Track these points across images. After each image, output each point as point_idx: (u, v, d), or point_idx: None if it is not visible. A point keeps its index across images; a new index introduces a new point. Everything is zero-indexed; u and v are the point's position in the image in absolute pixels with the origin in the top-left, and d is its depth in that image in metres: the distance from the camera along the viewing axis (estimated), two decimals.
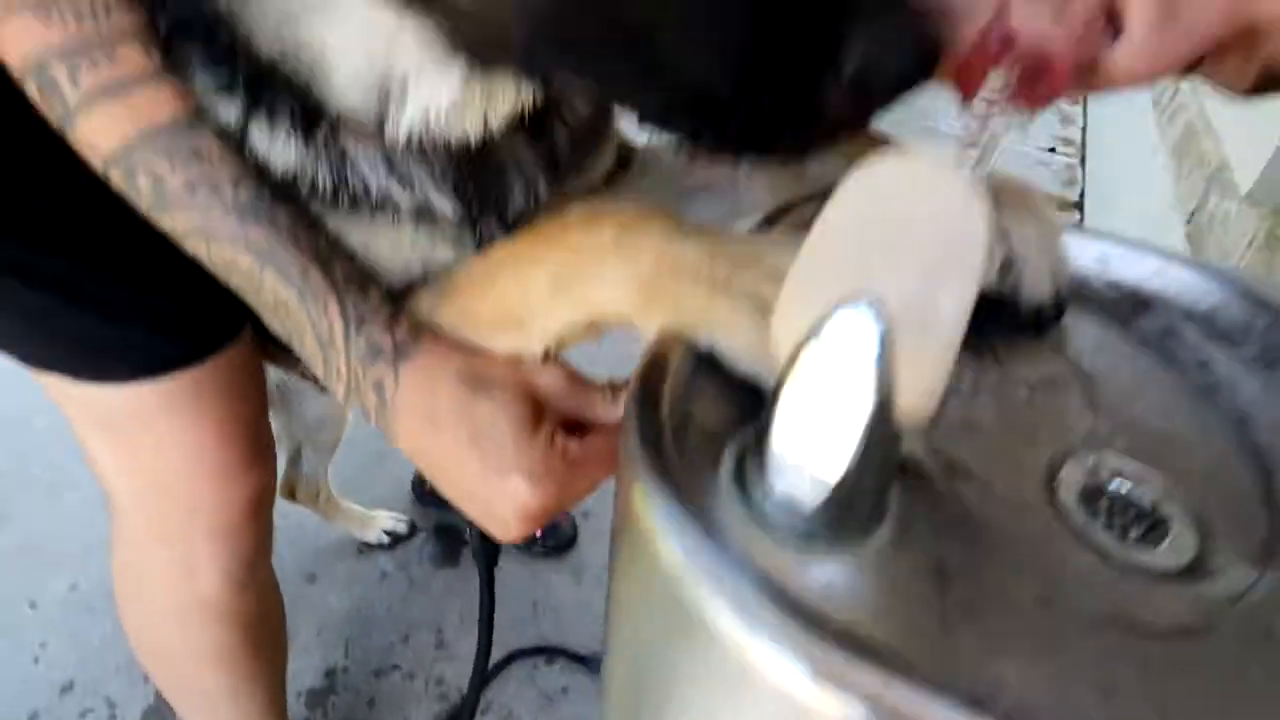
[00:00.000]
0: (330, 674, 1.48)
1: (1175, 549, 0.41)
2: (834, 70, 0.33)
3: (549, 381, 0.50)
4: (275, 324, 0.51)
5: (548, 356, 0.50)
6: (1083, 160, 4.29)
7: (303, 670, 1.45)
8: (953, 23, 0.38)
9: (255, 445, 0.79)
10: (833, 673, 0.27)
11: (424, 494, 1.81)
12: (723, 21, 0.32)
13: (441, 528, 1.78)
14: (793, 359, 0.26)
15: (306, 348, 0.50)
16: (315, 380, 0.70)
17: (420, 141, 0.46)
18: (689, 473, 0.33)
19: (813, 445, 0.27)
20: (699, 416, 0.38)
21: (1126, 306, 0.55)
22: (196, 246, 0.48)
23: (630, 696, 0.39)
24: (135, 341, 0.65)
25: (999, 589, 0.35)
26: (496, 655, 1.48)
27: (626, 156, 0.65)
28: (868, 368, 0.25)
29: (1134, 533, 0.41)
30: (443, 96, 0.44)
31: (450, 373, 0.49)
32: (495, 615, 0.82)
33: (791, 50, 0.33)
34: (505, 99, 0.47)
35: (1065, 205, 3.71)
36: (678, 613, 0.29)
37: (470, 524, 0.61)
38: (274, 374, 1.09)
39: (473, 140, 0.48)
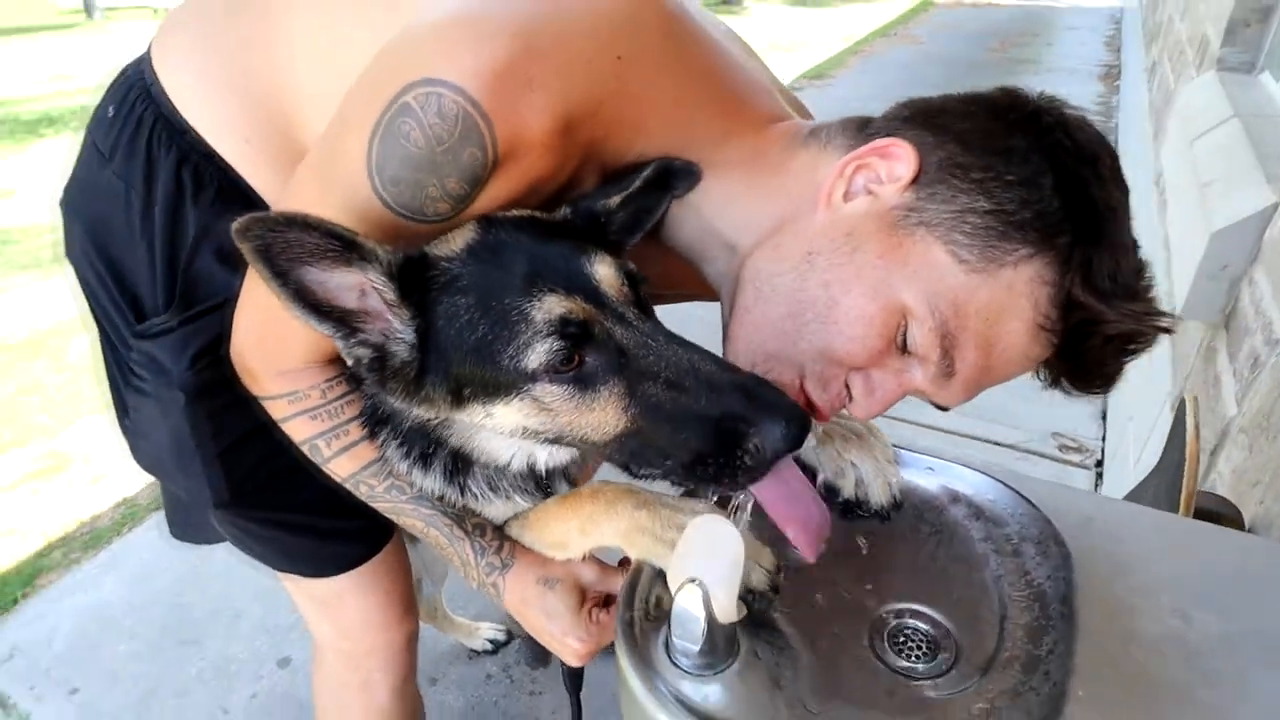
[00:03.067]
0: None
1: (937, 663, 0.72)
2: (743, 453, 0.65)
3: (588, 575, 0.87)
4: (433, 549, 0.89)
5: (585, 558, 0.86)
6: None
7: None
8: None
9: (407, 602, 1.18)
10: None
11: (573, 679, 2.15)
12: (699, 446, 0.65)
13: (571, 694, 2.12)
14: (674, 595, 0.61)
15: (452, 563, 0.88)
16: None
17: (507, 475, 0.85)
18: (644, 637, 0.69)
19: (686, 632, 0.62)
20: (657, 603, 0.73)
21: (945, 499, 0.87)
22: (388, 515, 0.88)
23: None
24: (340, 551, 1.05)
25: (810, 691, 0.67)
26: None
27: None
28: (699, 605, 0.60)
29: (916, 654, 0.73)
30: (540, 455, 0.82)
31: (532, 576, 0.86)
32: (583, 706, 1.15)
33: (724, 455, 0.65)
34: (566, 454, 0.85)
35: None
36: (638, 711, 0.64)
37: (567, 676, 1.02)
38: None
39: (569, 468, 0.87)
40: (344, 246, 0.64)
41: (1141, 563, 0.74)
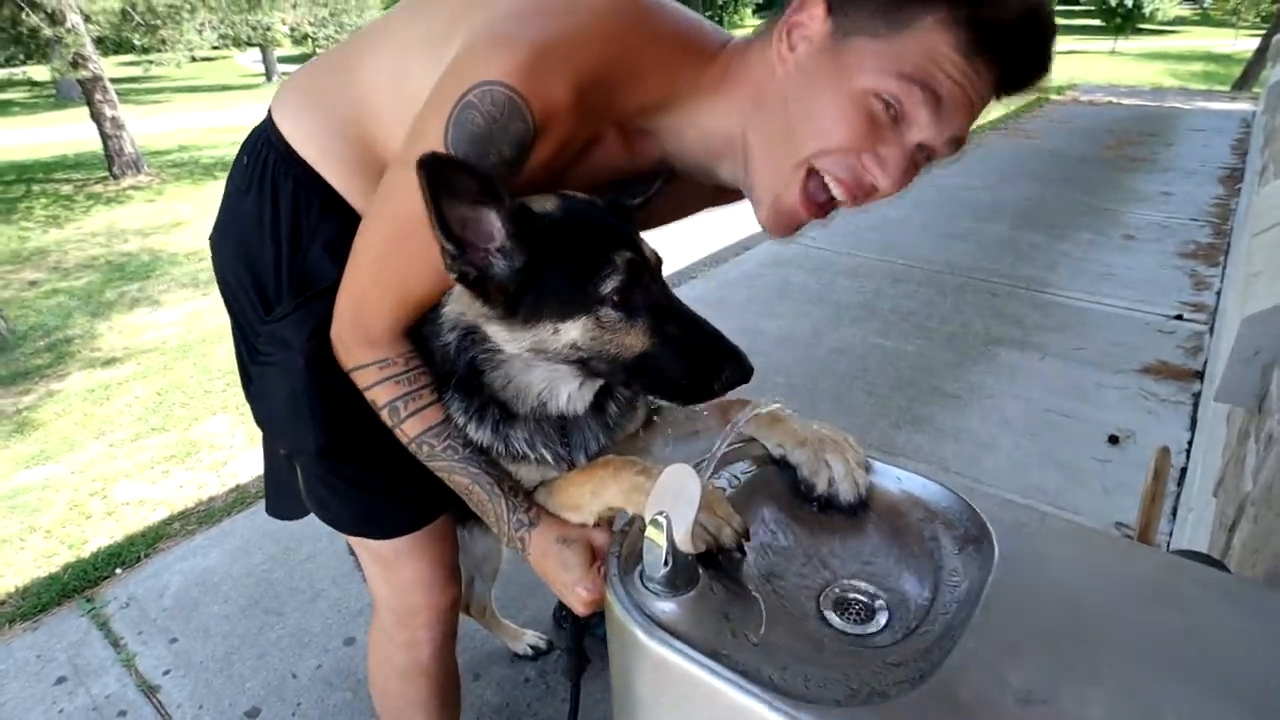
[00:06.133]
0: None
1: (869, 626, 0.85)
2: (716, 381, 0.92)
3: (599, 538, 1.04)
4: (474, 509, 1.10)
5: (599, 524, 1.04)
6: (1212, 328, 4.28)
7: None
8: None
9: (452, 571, 1.38)
10: (661, 642, 0.76)
11: (561, 620, 2.32)
12: (687, 370, 0.92)
13: (572, 648, 2.26)
14: (646, 528, 0.79)
15: (488, 519, 1.08)
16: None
17: (543, 429, 1.06)
18: (627, 567, 0.86)
19: (652, 555, 0.79)
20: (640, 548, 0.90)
21: (907, 504, 1.00)
22: (441, 475, 1.09)
23: (616, 666, 0.89)
24: (403, 516, 1.26)
25: (754, 627, 0.82)
26: None
27: (652, 416, 1.23)
28: (663, 534, 0.77)
29: (854, 619, 0.86)
30: (573, 392, 1.05)
31: (553, 535, 1.05)
32: (602, 714, 1.30)
33: (701, 380, 0.92)
34: (590, 391, 1.07)
35: (1185, 374, 3.75)
36: (616, 625, 0.81)
37: (573, 622, 1.16)
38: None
39: (578, 413, 1.07)
40: (487, 188, 0.86)
41: (1056, 561, 0.85)
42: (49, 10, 8.48)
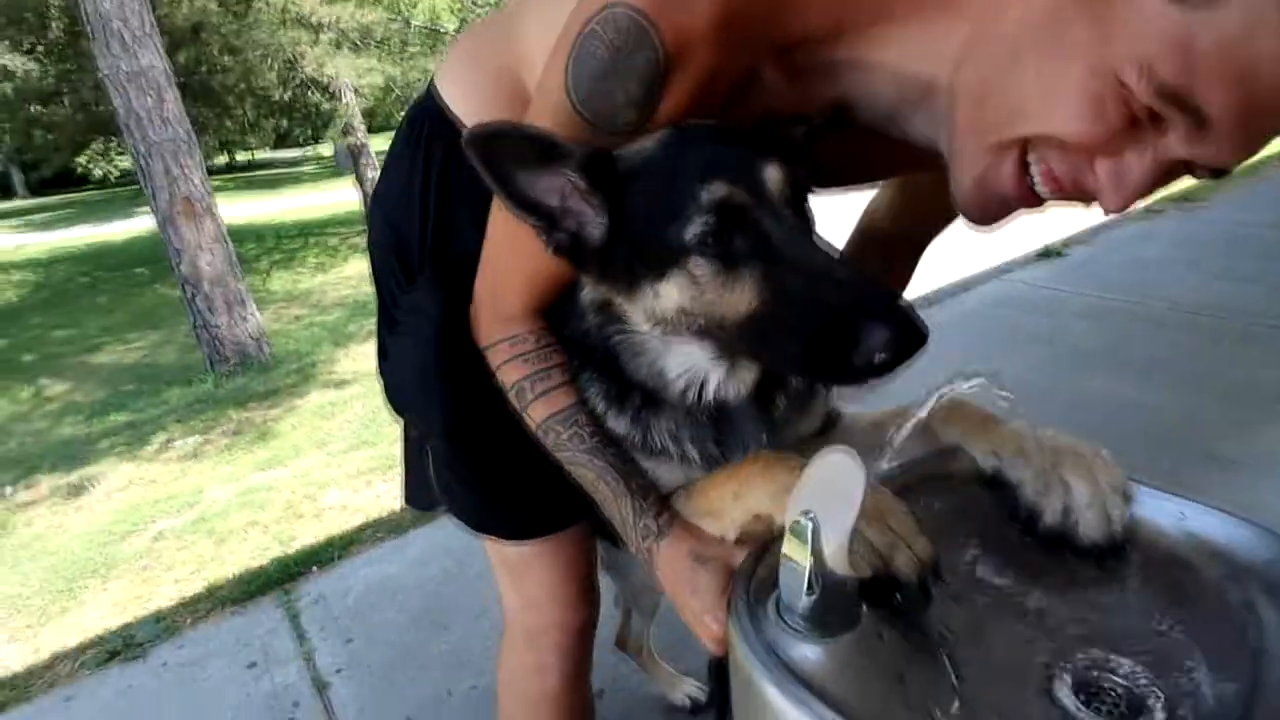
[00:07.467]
0: None
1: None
2: (857, 349, 0.65)
3: (742, 558, 0.82)
4: (600, 508, 0.93)
5: (740, 541, 0.82)
6: None
7: None
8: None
9: (587, 587, 1.22)
10: (797, 702, 0.53)
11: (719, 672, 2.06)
12: (802, 343, 0.69)
13: (715, 699, 2.00)
14: (785, 532, 0.57)
15: (615, 523, 0.91)
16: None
17: (693, 420, 0.88)
18: (759, 593, 0.63)
19: (791, 576, 0.56)
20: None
21: (1195, 552, 0.68)
22: (568, 468, 0.94)
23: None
24: (531, 520, 1.14)
25: (944, 701, 0.56)
26: None
27: (833, 421, 0.99)
28: (806, 547, 0.54)
29: (1109, 711, 0.57)
30: (720, 377, 0.86)
31: (685, 549, 0.85)
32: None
33: (834, 346, 0.66)
34: (748, 376, 0.87)
35: None
36: (739, 670, 0.59)
37: (711, 665, 0.94)
38: (607, 550, 1.50)
39: (732, 401, 0.88)
40: (544, 147, 0.75)
41: None
42: (330, 90, 10.20)
